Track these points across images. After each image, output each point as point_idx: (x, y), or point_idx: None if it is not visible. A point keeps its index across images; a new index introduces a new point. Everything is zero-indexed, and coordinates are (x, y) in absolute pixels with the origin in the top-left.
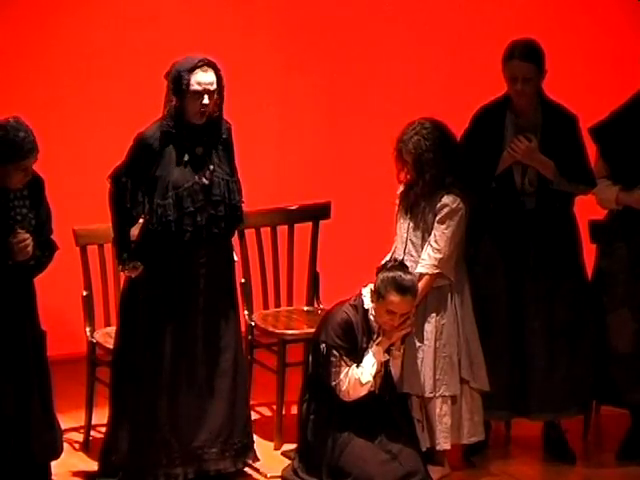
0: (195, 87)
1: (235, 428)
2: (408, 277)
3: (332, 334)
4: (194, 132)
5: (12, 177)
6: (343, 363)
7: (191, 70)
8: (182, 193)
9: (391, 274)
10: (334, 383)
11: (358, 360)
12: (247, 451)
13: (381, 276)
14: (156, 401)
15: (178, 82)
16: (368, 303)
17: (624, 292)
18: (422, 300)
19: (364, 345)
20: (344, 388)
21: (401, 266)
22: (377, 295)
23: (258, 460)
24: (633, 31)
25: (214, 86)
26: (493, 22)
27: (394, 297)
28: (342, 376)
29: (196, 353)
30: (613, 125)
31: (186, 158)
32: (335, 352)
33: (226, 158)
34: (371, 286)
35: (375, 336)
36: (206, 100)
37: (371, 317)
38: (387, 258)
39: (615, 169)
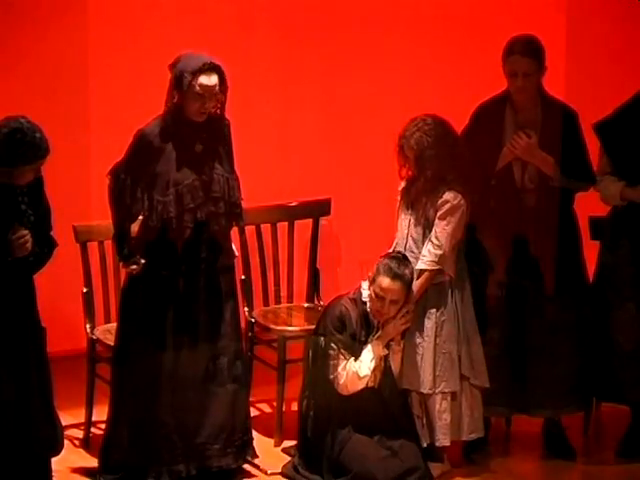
0: (197, 89)
1: (236, 424)
2: (402, 267)
3: (330, 327)
4: (194, 129)
5: (24, 176)
6: (341, 356)
7: (195, 72)
8: (182, 190)
9: (387, 260)
10: (332, 376)
11: (357, 354)
12: (247, 447)
13: (378, 261)
14: (158, 398)
15: (180, 81)
16: (366, 296)
17: (629, 288)
18: (422, 296)
19: (362, 338)
20: (342, 381)
21: (402, 257)
22: (371, 280)
23: (257, 457)
24: (634, 29)
25: (216, 89)
26: (493, 18)
27: (383, 279)
28: (340, 369)
29: (197, 349)
30: (617, 122)
31: (186, 155)
32: (333, 345)
33: (225, 154)
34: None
35: (375, 330)
36: (208, 103)
37: (369, 309)
38: None
39: (619, 166)
